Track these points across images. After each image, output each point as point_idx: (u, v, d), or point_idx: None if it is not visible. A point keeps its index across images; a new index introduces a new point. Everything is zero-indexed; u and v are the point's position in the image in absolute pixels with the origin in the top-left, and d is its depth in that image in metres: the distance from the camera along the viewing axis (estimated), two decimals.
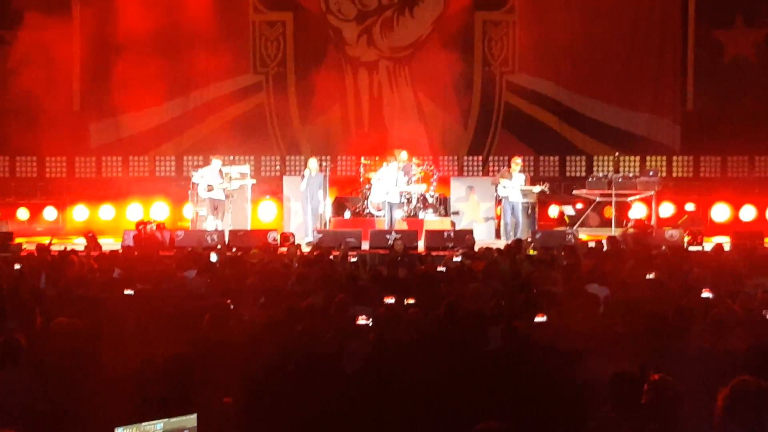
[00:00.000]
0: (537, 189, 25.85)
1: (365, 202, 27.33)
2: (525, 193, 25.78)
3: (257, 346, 10.07)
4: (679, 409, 7.56)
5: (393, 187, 25.56)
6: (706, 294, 12.89)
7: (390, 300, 12.19)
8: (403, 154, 26.79)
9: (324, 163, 28.22)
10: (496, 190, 26.18)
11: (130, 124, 31.21)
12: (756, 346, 9.09)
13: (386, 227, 25.09)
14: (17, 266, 16.75)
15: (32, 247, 20.92)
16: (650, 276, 14.69)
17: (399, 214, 26.25)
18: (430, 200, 27.39)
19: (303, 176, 26.01)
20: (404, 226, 25.58)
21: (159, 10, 30.01)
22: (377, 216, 26.74)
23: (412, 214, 26.87)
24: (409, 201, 27.00)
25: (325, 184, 26.10)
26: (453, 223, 26.30)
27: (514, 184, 25.58)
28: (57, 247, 20.53)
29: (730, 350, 9.37)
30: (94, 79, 31.12)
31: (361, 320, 10.72)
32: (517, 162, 26.14)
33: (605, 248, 19.80)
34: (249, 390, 8.85)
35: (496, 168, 30.47)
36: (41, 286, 14.55)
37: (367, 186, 27.45)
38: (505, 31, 31.46)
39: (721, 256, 18.34)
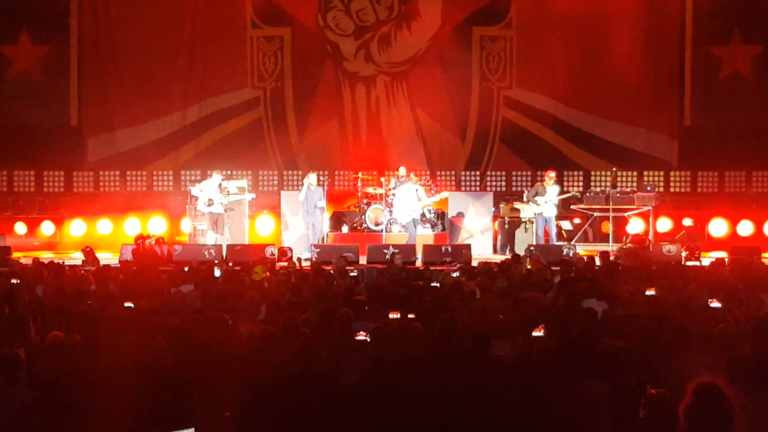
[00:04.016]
0: (570, 194, 26.19)
1: (363, 217, 27.30)
2: (557, 206, 25.90)
3: (255, 360, 10.05)
4: (676, 423, 7.56)
5: (417, 204, 25.47)
6: (715, 304, 12.89)
7: (395, 315, 12.16)
8: (401, 170, 26.90)
9: (322, 178, 28.20)
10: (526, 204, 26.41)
11: (128, 139, 31.24)
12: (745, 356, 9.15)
13: (410, 242, 25.05)
14: (15, 281, 16.67)
15: (29, 262, 20.87)
16: (650, 292, 14.64)
17: (421, 230, 26.15)
18: (428, 215, 27.33)
19: (303, 184, 26.17)
20: (402, 241, 25.58)
21: (157, 25, 30.09)
22: (375, 230, 26.70)
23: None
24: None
25: (323, 198, 26.18)
26: (449, 238, 26.32)
27: (548, 198, 25.62)
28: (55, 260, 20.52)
29: (727, 363, 9.36)
30: (92, 94, 31.17)
31: (361, 336, 10.69)
32: (550, 176, 26.16)
33: (597, 263, 19.80)
34: (247, 404, 8.83)
35: (494, 182, 30.65)
36: (38, 299, 14.53)
37: (365, 201, 27.43)
38: (503, 47, 31.50)
39: (719, 271, 18.34)
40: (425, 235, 26.52)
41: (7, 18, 30.91)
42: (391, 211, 26.64)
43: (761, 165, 30.65)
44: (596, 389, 8.67)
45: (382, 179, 27.52)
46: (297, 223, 26.99)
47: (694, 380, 7.12)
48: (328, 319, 12.08)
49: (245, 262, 20.75)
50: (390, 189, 26.86)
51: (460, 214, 27.16)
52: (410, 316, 12.56)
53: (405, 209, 25.47)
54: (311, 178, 26.24)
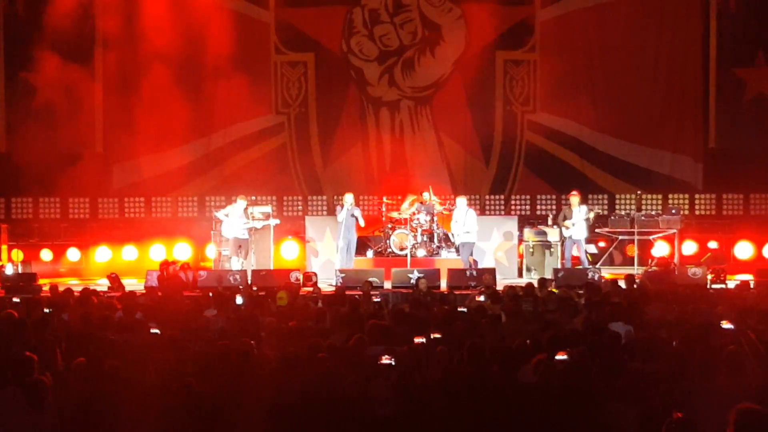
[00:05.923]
0: (593, 212, 26.02)
1: (387, 242, 27.23)
2: (587, 226, 25.68)
3: (280, 385, 10.05)
4: None
5: (472, 227, 25.44)
6: (727, 326, 12.83)
7: (420, 340, 12.14)
8: (425, 195, 26.89)
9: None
10: (560, 232, 26.11)
11: (153, 165, 31.31)
12: None
13: (465, 266, 24.99)
14: (47, 310, 16.64)
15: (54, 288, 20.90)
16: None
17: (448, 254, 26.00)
18: (453, 239, 27.25)
19: (342, 206, 25.95)
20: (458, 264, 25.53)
21: (181, 51, 30.13)
22: (400, 255, 26.62)
23: (435, 253, 26.79)
24: (431, 240, 26.98)
25: (361, 216, 25.99)
26: (475, 262, 26.23)
27: (577, 220, 25.44)
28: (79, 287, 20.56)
29: (751, 387, 9.31)
30: (117, 120, 31.26)
31: (384, 360, 10.66)
32: (573, 195, 25.99)
33: (623, 287, 19.71)
34: (273, 429, 8.83)
35: (519, 206, 30.64)
36: (63, 326, 14.59)
37: (389, 225, 27.34)
38: (526, 71, 31.49)
39: (745, 293, 18.25)
40: (450, 259, 26.43)
41: (32, 45, 31.05)
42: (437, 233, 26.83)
43: None
44: (623, 413, 8.64)
45: (406, 203, 27.48)
46: (321, 248, 27.01)
47: (735, 407, 7.09)
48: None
49: (270, 287, 20.77)
50: (413, 213, 26.79)
51: (485, 238, 27.06)
52: (435, 336, 12.56)
53: (459, 232, 25.61)
54: (349, 198, 26.01)
